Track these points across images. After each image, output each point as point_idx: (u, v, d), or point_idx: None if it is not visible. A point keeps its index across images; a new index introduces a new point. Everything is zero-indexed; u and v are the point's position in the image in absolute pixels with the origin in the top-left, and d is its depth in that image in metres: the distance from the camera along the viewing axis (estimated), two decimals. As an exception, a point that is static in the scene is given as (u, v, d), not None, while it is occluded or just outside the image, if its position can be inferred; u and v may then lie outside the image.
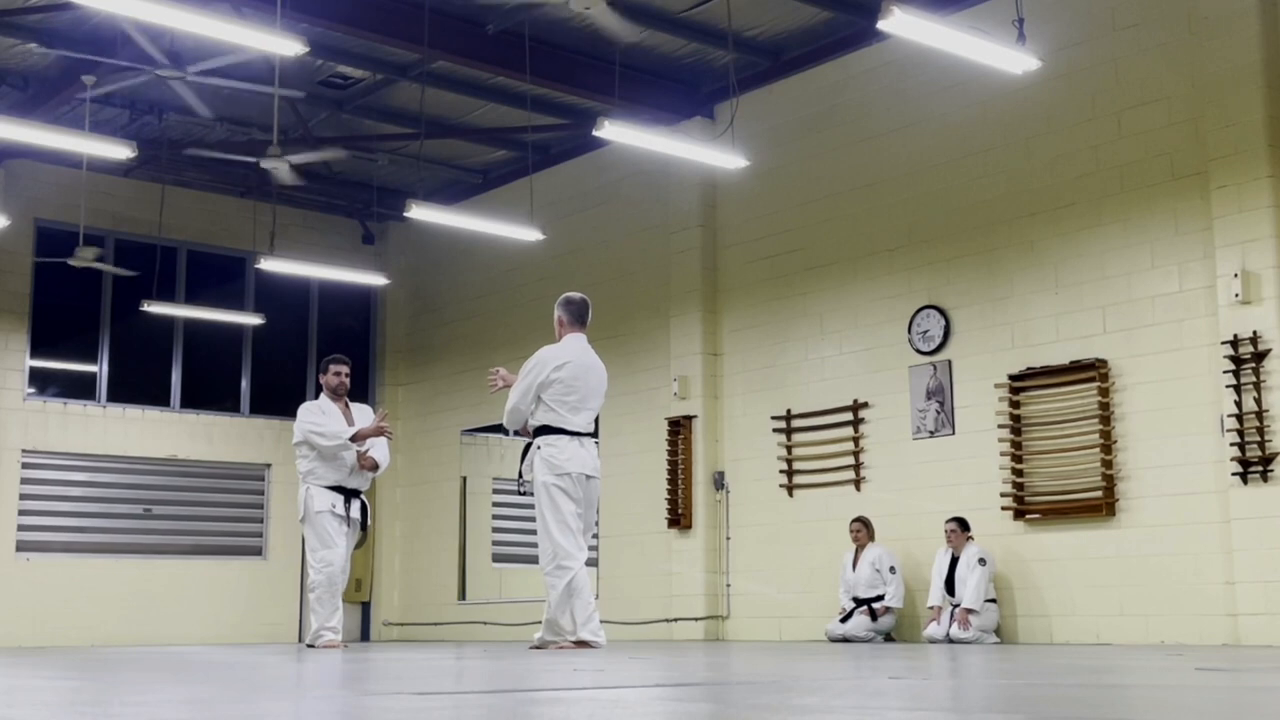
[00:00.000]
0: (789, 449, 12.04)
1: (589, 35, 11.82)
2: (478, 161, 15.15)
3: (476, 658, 7.19)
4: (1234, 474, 9.08)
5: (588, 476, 7.96)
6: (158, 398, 15.27)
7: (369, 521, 9.66)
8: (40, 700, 3.86)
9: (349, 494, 9.39)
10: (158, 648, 11.45)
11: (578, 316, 8.20)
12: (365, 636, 16.18)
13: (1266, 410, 8.99)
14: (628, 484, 13.39)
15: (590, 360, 8.11)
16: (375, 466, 9.46)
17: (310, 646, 9.39)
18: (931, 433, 11.01)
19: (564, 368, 7.94)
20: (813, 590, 11.64)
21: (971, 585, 10.05)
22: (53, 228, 14.45)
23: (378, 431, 9.35)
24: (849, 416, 11.59)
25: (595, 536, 13.89)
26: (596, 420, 7.91)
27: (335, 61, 12.34)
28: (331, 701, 3.67)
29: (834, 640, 10.71)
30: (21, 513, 14.30)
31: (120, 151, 10.67)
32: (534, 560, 8.57)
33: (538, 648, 7.93)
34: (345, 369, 9.60)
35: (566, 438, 7.92)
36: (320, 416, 9.35)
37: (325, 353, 16.34)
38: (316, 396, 9.71)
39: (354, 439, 9.24)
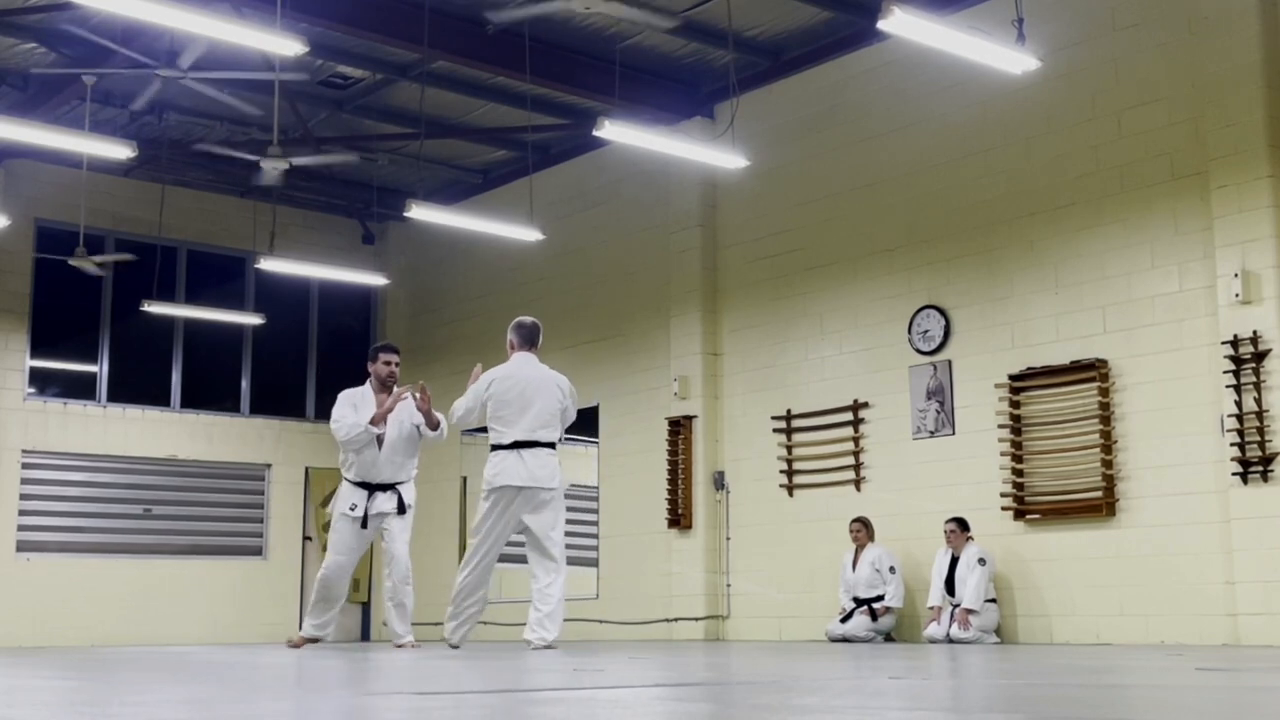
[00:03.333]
0: (789, 449, 12.04)
1: (589, 35, 11.82)
2: (478, 161, 15.15)
3: (476, 658, 7.19)
4: (1234, 474, 9.08)
5: (518, 488, 8.20)
6: (158, 398, 15.26)
7: (407, 508, 9.27)
8: (40, 700, 3.86)
9: (376, 488, 9.12)
10: (157, 648, 11.44)
11: (527, 338, 8.55)
12: (365, 636, 16.17)
13: (1266, 410, 8.99)
14: (628, 484, 13.39)
15: (529, 373, 8.36)
16: (436, 425, 9.10)
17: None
18: (931, 433, 11.00)
19: (495, 384, 8.33)
20: (813, 590, 11.63)
21: (971, 585, 10.05)
22: (53, 228, 14.45)
23: (393, 405, 8.96)
24: (849, 416, 11.59)
25: (595, 537, 13.95)
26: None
27: (335, 61, 12.34)
28: (331, 701, 3.67)
29: (834, 640, 10.71)
30: (21, 513, 14.29)
31: (120, 151, 10.66)
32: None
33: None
34: (396, 358, 9.22)
35: (502, 452, 8.31)
36: (346, 409, 8.98)
37: (326, 352, 16.48)
38: (362, 384, 9.27)
39: (372, 422, 8.92)
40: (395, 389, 9.13)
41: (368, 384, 9.19)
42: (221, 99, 11.91)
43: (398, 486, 9.20)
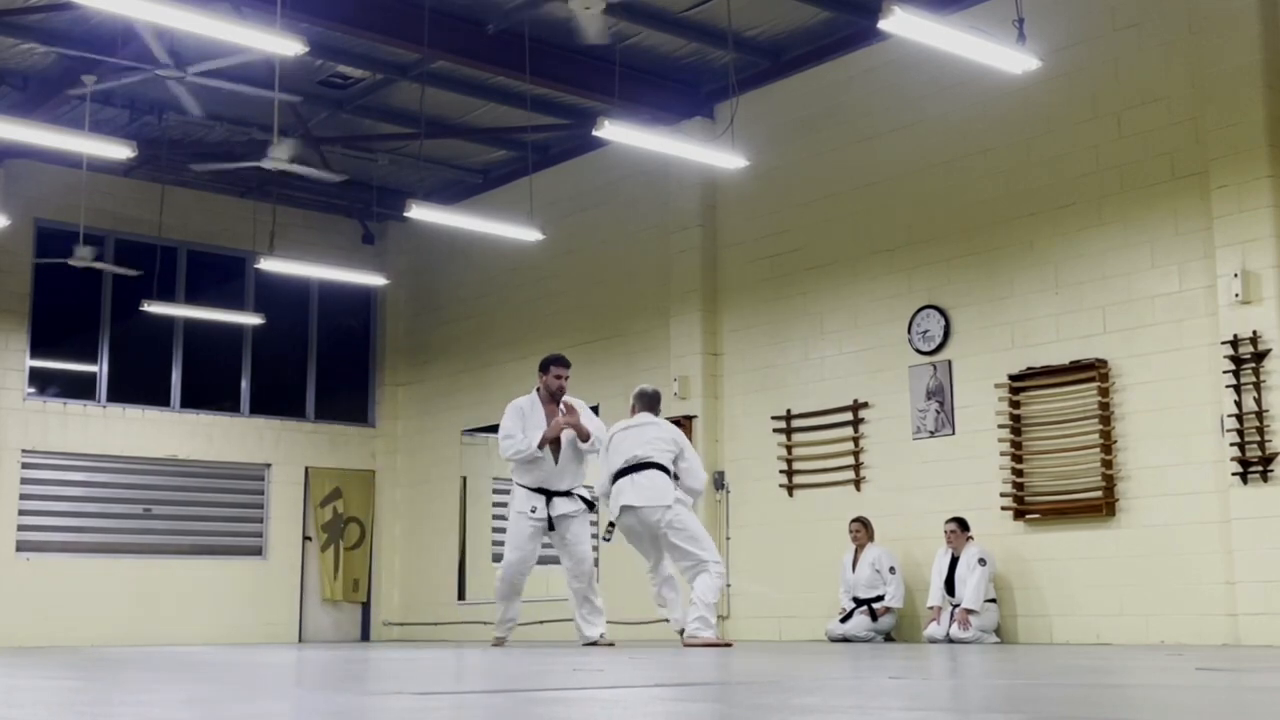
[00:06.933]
0: (789, 449, 12.04)
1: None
2: (478, 161, 15.15)
3: (476, 658, 7.19)
4: (1234, 474, 9.08)
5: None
6: (158, 398, 15.26)
7: (593, 504, 9.59)
8: (40, 700, 3.86)
9: (553, 494, 9.41)
10: (157, 648, 11.45)
11: (647, 405, 9.49)
12: (365, 636, 16.18)
13: (1266, 410, 8.99)
14: (628, 484, 13.35)
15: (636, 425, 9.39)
16: (587, 436, 9.37)
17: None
18: (931, 433, 11.00)
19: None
20: (813, 590, 11.63)
21: (971, 585, 10.05)
22: (53, 228, 14.44)
23: (557, 431, 9.30)
24: (849, 416, 11.59)
25: (595, 537, 13.92)
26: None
27: (335, 61, 12.34)
28: (331, 701, 3.67)
29: (834, 640, 10.71)
30: (21, 513, 14.29)
31: (120, 151, 10.65)
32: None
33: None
34: (567, 371, 9.52)
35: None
36: (515, 426, 9.27)
37: (325, 352, 16.48)
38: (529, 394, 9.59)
39: (540, 445, 9.22)
40: (564, 401, 9.44)
41: (535, 393, 9.47)
42: (225, 88, 11.88)
43: (574, 491, 9.52)
